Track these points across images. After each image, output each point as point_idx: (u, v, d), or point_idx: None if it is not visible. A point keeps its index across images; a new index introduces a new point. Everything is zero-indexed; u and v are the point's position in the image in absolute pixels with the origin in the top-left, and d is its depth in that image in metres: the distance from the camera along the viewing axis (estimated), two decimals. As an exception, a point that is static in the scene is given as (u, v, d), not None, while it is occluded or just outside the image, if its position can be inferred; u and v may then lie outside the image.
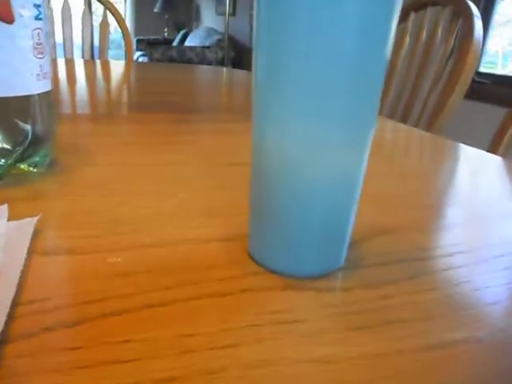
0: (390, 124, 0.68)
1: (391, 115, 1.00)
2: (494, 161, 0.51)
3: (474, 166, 0.49)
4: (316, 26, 0.18)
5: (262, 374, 0.16)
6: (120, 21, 1.45)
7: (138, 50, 4.21)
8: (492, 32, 1.85)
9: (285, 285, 0.22)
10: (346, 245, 0.24)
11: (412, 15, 1.00)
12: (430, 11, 0.96)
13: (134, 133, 0.50)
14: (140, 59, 3.97)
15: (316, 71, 0.19)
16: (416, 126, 0.91)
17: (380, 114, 1.02)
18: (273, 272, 0.23)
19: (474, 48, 0.77)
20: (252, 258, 0.24)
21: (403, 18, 1.01)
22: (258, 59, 0.20)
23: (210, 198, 0.32)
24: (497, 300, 0.22)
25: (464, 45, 0.78)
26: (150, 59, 3.44)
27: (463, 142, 0.57)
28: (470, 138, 1.61)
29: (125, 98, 0.72)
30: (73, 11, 1.43)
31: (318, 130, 0.20)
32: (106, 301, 0.20)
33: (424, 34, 0.96)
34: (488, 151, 0.70)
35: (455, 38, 0.87)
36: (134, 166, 0.38)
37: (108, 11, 1.44)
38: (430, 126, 0.86)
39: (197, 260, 0.24)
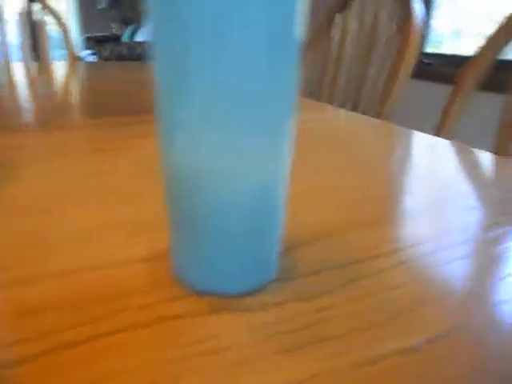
0: (339, 113, 0.68)
1: (343, 104, 0.99)
2: (442, 145, 0.51)
3: (422, 152, 0.49)
4: (219, 26, 0.16)
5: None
6: (58, 19, 1.38)
7: (86, 48, 4.05)
8: (437, 12, 1.89)
9: (211, 307, 0.20)
10: (277, 255, 0.22)
11: (356, 0, 0.99)
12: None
13: (67, 141, 0.47)
14: (89, 58, 3.83)
15: (224, 74, 0.17)
16: (367, 111, 0.91)
17: (332, 103, 1.02)
18: (199, 293, 0.21)
19: (415, 30, 0.77)
20: (177, 279, 0.22)
21: (347, 3, 1.01)
22: (159, 62, 0.18)
23: (138, 210, 0.30)
24: (435, 302, 0.21)
25: (405, 28, 0.79)
26: (99, 57, 3.32)
27: (415, 123, 0.57)
28: (421, 118, 1.64)
29: (63, 102, 0.68)
30: (9, 10, 1.35)
31: (231, 137, 0.18)
32: (14, 346, 0.17)
33: (368, 19, 0.95)
34: (437, 131, 0.71)
35: (398, 21, 0.87)
36: (63, 179, 0.35)
37: (46, 10, 1.37)
38: (380, 111, 0.86)
39: (117, 286, 0.21)
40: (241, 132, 0.18)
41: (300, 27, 0.18)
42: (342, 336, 0.19)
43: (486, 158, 0.46)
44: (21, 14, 1.38)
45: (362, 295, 0.21)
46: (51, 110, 0.62)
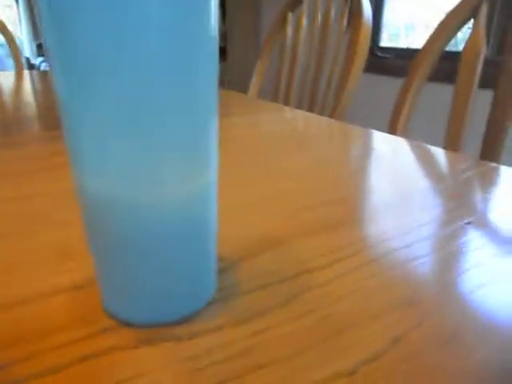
0: (295, 114, 0.67)
1: (299, 104, 0.99)
2: (397, 143, 0.51)
3: (377, 151, 0.48)
4: (109, 32, 0.14)
5: None
6: (1, 27, 1.31)
7: (39, 55, 3.91)
8: (392, 5, 1.92)
9: (138, 340, 0.19)
10: (212, 274, 0.21)
11: (306, -3, 0.99)
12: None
13: (4, 160, 0.43)
14: (43, 65, 3.70)
15: (125, 87, 0.15)
16: (322, 110, 0.91)
17: (288, 104, 1.01)
18: (126, 325, 0.19)
19: (364, 24, 0.77)
20: (104, 310, 0.20)
21: (298, 1, 1.00)
22: (56, 77, 0.16)
23: (69, 234, 0.28)
24: (375, 314, 0.20)
25: (355, 22, 0.79)
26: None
27: (372, 117, 0.57)
28: (378, 112, 1.67)
29: (7, 115, 0.64)
30: None
31: (143, 154, 0.16)
32: None
33: (319, 16, 0.95)
34: (390, 125, 0.71)
35: (348, 17, 0.88)
36: (-13, 205, 0.32)
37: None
38: (335, 107, 0.86)
39: (33, 324, 0.19)
40: (153, 147, 0.16)
41: (213, 24, 0.16)
42: (278, 362, 0.17)
43: (438, 154, 0.46)
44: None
45: (303, 313, 0.20)
46: (-12, 125, 0.58)
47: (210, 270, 0.20)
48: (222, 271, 0.23)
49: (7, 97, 0.81)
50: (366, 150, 0.47)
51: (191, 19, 0.15)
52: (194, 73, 0.16)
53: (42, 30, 0.16)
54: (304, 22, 0.98)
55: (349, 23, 0.85)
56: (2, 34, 1.32)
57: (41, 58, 3.79)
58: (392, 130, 0.71)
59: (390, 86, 1.69)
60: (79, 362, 0.17)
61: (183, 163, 0.17)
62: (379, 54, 1.77)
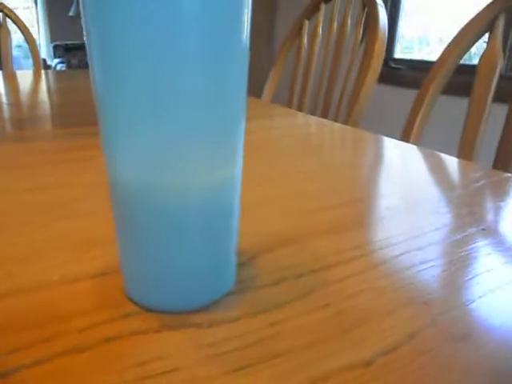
0: (309, 119, 0.68)
1: (313, 111, 1.00)
2: (410, 150, 0.51)
3: (390, 157, 0.49)
4: (154, 29, 0.15)
5: None
6: (22, 27, 1.34)
7: (55, 56, 3.97)
8: (406, 19, 1.93)
9: (161, 325, 0.19)
10: (232, 266, 0.22)
11: (323, 7, 1.00)
12: (339, 2, 0.97)
13: (19, 153, 0.45)
14: (58, 66, 3.75)
15: (161, 78, 0.16)
16: (336, 117, 0.92)
17: (302, 110, 1.02)
18: (149, 310, 0.20)
19: (379, 36, 0.78)
20: (127, 296, 0.21)
21: (315, 10, 1.01)
22: (95, 72, 0.17)
23: (91, 224, 0.29)
24: (389, 310, 0.21)
25: (371, 33, 0.79)
26: (68, 66, 3.25)
27: (384, 128, 0.57)
28: (391, 122, 1.67)
29: (23, 112, 0.66)
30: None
31: (176, 144, 0.17)
32: None
33: (335, 25, 0.96)
34: (403, 135, 0.72)
35: (363, 28, 0.88)
36: (10, 194, 0.33)
37: (8, 18, 1.33)
38: (348, 116, 0.86)
39: (58, 307, 0.20)
40: (186, 137, 0.17)
41: (245, 30, 0.17)
42: (295, 351, 0.18)
43: (451, 162, 0.46)
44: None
45: (320, 306, 0.21)
46: (11, 121, 0.59)
47: (230, 262, 0.21)
48: (240, 265, 0.24)
49: (25, 95, 0.83)
50: (379, 156, 0.48)
51: (225, 14, 0.16)
52: (225, 65, 0.17)
53: (86, 29, 0.17)
54: (320, 30, 0.99)
55: (364, 33, 0.86)
56: (24, 34, 1.35)
57: (57, 60, 3.85)
58: (405, 138, 0.71)
59: (402, 97, 1.69)
60: (102, 343, 0.18)
61: (212, 152, 0.18)
62: (393, 65, 1.78)
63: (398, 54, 1.97)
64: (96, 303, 0.20)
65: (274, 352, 0.18)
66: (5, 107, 0.69)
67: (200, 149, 0.17)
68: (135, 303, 0.20)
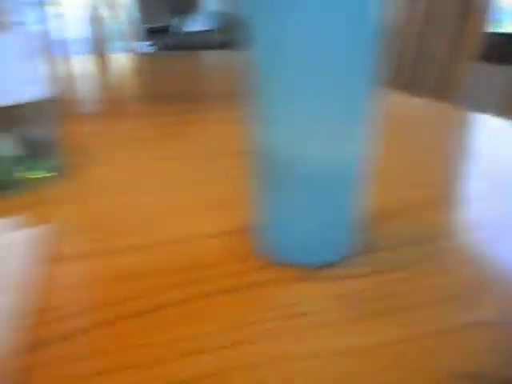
0: (397, 96, 0.67)
1: (406, 90, 0.97)
2: (507, 127, 0.49)
3: (490, 135, 0.47)
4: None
5: (298, 367, 0.17)
6: (116, 12, 1.44)
7: (145, 39, 4.18)
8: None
9: (295, 276, 0.22)
10: (359, 229, 0.24)
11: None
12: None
13: (137, 128, 0.50)
14: (148, 49, 3.96)
15: (311, 58, 0.18)
16: (432, 96, 0.89)
17: (395, 89, 1.00)
18: (282, 264, 0.23)
19: (478, 10, 0.73)
20: (257, 252, 0.24)
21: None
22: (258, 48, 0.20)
23: (212, 191, 0.32)
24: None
25: (469, 9, 0.75)
26: (159, 48, 3.42)
27: (477, 106, 0.55)
28: (483, 101, 1.56)
29: (127, 92, 0.72)
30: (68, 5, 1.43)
31: (321, 118, 0.20)
32: (117, 305, 0.20)
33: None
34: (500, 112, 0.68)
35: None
36: (139, 164, 0.38)
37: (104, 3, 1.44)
38: (440, 93, 0.83)
39: (200, 258, 0.24)
40: (327, 117, 0.19)
41: (379, 11, 0.19)
42: (423, 306, 0.20)
43: None
44: (80, 9, 1.46)
45: (440, 271, 0.22)
46: (118, 100, 0.66)
47: (359, 223, 0.23)
48: (364, 229, 0.26)
49: (126, 77, 0.91)
50: (477, 134, 0.47)
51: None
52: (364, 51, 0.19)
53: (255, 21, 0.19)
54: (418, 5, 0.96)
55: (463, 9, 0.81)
56: (116, 18, 1.44)
57: (147, 42, 4.05)
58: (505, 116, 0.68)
59: (494, 74, 1.57)
60: (246, 288, 0.21)
61: (350, 127, 0.20)
62: (488, 39, 1.65)
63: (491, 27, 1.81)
64: (231, 257, 0.24)
65: (402, 305, 0.20)
66: (117, 88, 0.76)
67: (338, 127, 0.20)
68: (271, 258, 0.23)
